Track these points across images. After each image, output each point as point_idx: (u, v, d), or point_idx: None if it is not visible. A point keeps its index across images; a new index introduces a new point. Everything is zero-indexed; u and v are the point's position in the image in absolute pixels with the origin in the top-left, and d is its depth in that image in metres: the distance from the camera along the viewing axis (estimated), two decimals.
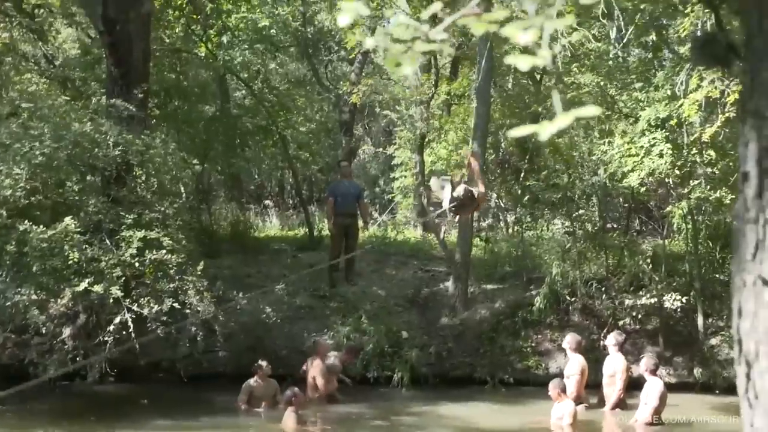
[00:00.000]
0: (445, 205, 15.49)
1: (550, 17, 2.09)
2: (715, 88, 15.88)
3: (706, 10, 14.78)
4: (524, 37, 2.06)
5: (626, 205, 22.19)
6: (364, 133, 39.44)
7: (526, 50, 2.20)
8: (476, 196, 15.28)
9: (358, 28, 23.53)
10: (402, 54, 2.33)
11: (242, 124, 23.62)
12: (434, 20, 2.61)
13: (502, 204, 25.69)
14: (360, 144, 38.14)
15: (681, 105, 16.30)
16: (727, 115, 16.23)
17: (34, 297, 15.06)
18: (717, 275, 18.33)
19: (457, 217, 16.58)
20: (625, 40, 20.24)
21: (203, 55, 23.41)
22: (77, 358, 15.74)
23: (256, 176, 34.33)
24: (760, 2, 2.47)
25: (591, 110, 2.17)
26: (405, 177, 27.99)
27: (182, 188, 21.48)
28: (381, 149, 36.05)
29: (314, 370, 16.05)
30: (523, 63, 2.17)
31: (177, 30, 23.51)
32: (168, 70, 22.88)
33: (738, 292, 2.51)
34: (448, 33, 2.28)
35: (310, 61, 30.62)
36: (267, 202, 33.76)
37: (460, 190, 14.54)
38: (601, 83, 19.04)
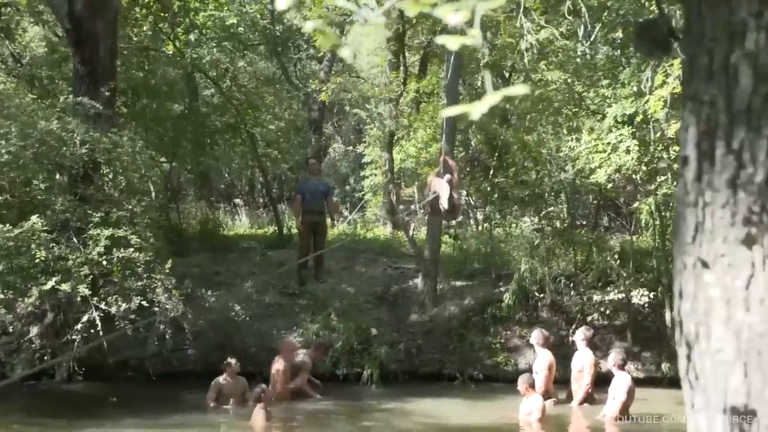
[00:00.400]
0: (444, 200, 15.65)
1: None
2: (680, 84, 15.95)
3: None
4: (454, 18, 2.08)
5: (594, 201, 22.27)
6: (334, 132, 39.45)
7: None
8: (454, 203, 15.58)
9: (325, 24, 23.45)
10: (339, 37, 2.34)
11: (211, 123, 23.55)
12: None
13: (471, 201, 25.74)
14: (330, 142, 38.14)
15: (647, 101, 16.38)
16: None
17: (0, 296, 15.01)
18: None
19: (427, 216, 16.72)
20: (592, 38, 20.33)
21: (171, 53, 23.33)
22: (45, 357, 15.73)
23: (226, 175, 34.28)
24: None
25: (519, 89, 2.20)
26: (375, 175, 28.00)
27: (151, 186, 21.41)
28: (351, 147, 36.07)
29: (275, 366, 16.05)
30: (452, 42, 2.19)
31: (144, 28, 23.44)
32: (135, 68, 22.81)
33: (679, 274, 2.55)
34: (387, 16, 2.29)
35: (279, 59, 30.55)
36: (237, 200, 33.72)
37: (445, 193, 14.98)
38: (569, 80, 19.10)
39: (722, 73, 2.40)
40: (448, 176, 15.74)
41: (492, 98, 2.11)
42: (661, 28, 2.76)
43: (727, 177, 2.40)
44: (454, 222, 22.02)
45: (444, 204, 15.56)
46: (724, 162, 2.40)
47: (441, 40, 2.24)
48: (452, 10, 2.05)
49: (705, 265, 2.44)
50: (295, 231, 21.92)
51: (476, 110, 2.09)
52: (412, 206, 26.84)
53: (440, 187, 15.69)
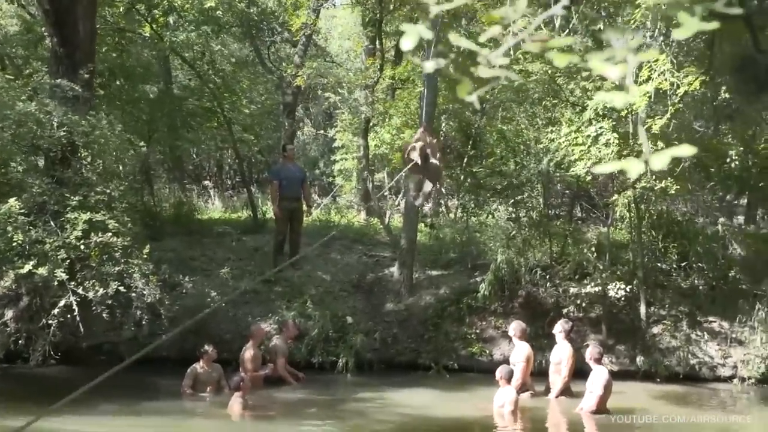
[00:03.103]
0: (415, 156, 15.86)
1: (633, 50, 2.06)
2: (666, 79, 15.99)
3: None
4: (614, 72, 2.03)
5: (567, 191, 22.28)
6: (304, 115, 39.29)
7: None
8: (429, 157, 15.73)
9: (303, 9, 23.49)
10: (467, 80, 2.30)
11: (186, 106, 23.35)
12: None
13: (443, 190, 25.74)
14: (300, 125, 38.01)
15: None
16: (676, 106, 16.39)
17: None
18: (660, 264, 18.53)
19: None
20: (569, 28, 20.27)
21: (148, 35, 23.07)
22: (20, 341, 15.61)
23: (194, 156, 34.07)
24: None
25: (685, 150, 2.15)
26: (346, 159, 28.00)
27: (123, 168, 21.19)
28: (321, 131, 36.01)
29: (246, 353, 16.02)
30: (618, 101, 2.14)
31: (120, 8, 23.15)
32: (111, 50, 22.56)
33: None
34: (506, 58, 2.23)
35: (253, 42, 30.32)
36: (206, 182, 33.53)
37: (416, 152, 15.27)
38: (549, 71, 19.03)
39: None
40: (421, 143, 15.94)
41: (658, 161, 2.06)
42: (761, 65, 2.72)
43: None
44: (427, 209, 22.04)
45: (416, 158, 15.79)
46: None
47: (602, 97, 2.18)
48: (605, 61, 1.99)
49: None
50: (269, 215, 21.80)
51: (634, 169, 2.04)
52: (386, 193, 26.81)
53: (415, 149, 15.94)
